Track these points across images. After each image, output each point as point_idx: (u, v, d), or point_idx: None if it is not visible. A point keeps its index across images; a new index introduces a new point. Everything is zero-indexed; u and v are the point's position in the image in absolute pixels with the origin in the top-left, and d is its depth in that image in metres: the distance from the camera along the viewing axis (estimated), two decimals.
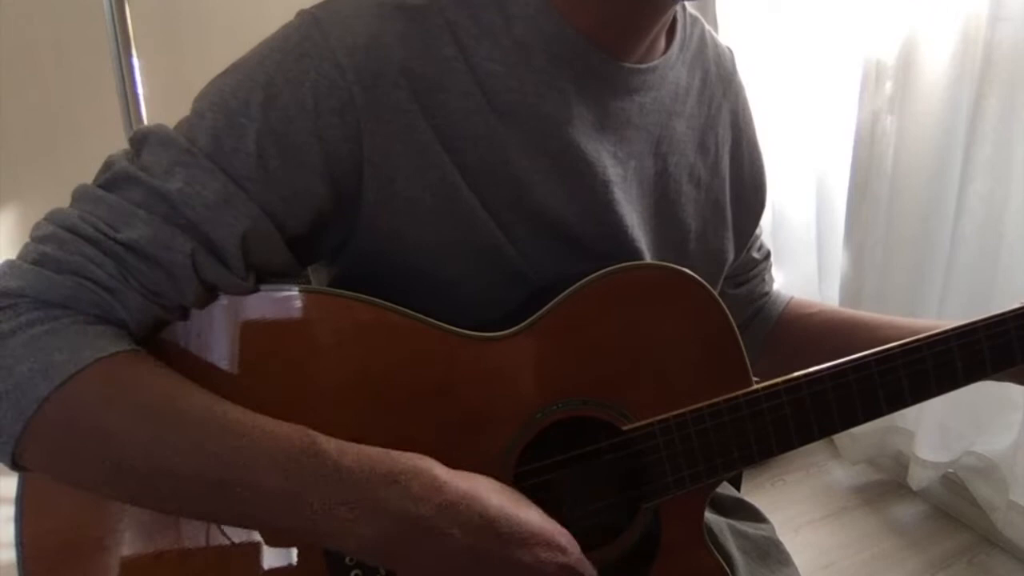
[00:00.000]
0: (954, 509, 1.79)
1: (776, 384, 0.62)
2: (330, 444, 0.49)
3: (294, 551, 0.55)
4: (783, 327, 0.85)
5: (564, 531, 0.55)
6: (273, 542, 0.55)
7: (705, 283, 0.63)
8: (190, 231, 0.51)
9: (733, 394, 0.62)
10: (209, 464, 0.47)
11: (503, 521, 0.51)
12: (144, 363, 0.50)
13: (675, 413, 0.61)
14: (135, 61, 1.23)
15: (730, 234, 0.75)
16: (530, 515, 0.53)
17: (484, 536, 0.51)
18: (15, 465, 0.48)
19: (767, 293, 0.87)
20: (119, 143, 0.55)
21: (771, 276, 0.89)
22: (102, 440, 0.47)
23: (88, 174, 0.53)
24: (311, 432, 0.50)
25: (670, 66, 0.67)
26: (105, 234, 0.49)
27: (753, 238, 0.83)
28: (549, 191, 0.61)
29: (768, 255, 0.88)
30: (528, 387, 0.59)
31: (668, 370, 0.62)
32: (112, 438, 0.47)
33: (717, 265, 0.75)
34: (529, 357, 0.59)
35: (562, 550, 0.54)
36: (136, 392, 0.48)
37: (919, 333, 0.65)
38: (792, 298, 0.87)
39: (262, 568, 0.55)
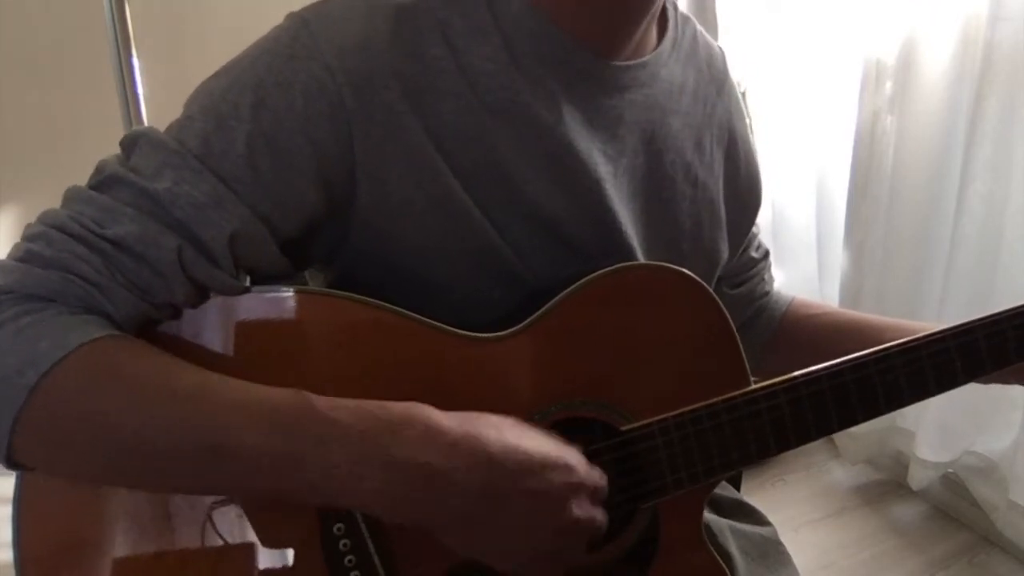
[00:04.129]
0: (954, 509, 1.79)
1: (774, 384, 0.62)
2: (323, 402, 0.49)
3: (295, 556, 0.55)
4: (788, 327, 0.85)
5: (569, 449, 0.55)
6: (278, 508, 0.54)
7: (703, 283, 0.63)
8: (177, 229, 0.51)
9: (731, 394, 0.62)
10: (205, 434, 0.47)
11: (506, 455, 0.51)
12: (130, 344, 0.50)
13: (674, 414, 0.61)
14: (135, 61, 1.23)
15: (724, 233, 0.75)
16: (533, 443, 0.53)
17: (490, 473, 0.50)
18: (10, 462, 0.48)
19: (767, 292, 0.87)
20: (118, 144, 0.55)
21: (771, 275, 0.89)
22: (96, 423, 0.47)
23: (88, 174, 0.53)
24: (304, 393, 0.49)
25: (662, 63, 0.67)
26: (92, 231, 0.49)
27: (750, 237, 0.83)
28: (542, 189, 0.61)
29: (767, 254, 0.87)
30: (526, 388, 0.59)
31: (666, 371, 0.62)
32: (106, 419, 0.47)
33: (711, 264, 0.75)
34: (527, 358, 0.59)
35: (570, 469, 0.53)
36: (125, 372, 0.48)
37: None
38: (794, 298, 0.87)
39: (261, 569, 0.55)
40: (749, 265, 0.85)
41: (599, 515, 0.55)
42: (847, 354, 0.64)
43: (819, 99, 1.88)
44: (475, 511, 0.50)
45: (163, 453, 0.48)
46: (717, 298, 0.63)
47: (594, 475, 0.55)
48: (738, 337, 0.64)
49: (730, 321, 0.63)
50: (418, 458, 0.49)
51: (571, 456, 0.54)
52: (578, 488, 0.53)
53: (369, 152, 0.55)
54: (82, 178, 0.53)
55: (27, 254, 0.49)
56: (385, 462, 0.48)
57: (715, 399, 0.62)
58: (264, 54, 0.55)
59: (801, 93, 1.93)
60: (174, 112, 0.55)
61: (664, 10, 0.69)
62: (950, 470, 1.74)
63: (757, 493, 1.90)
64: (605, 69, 0.62)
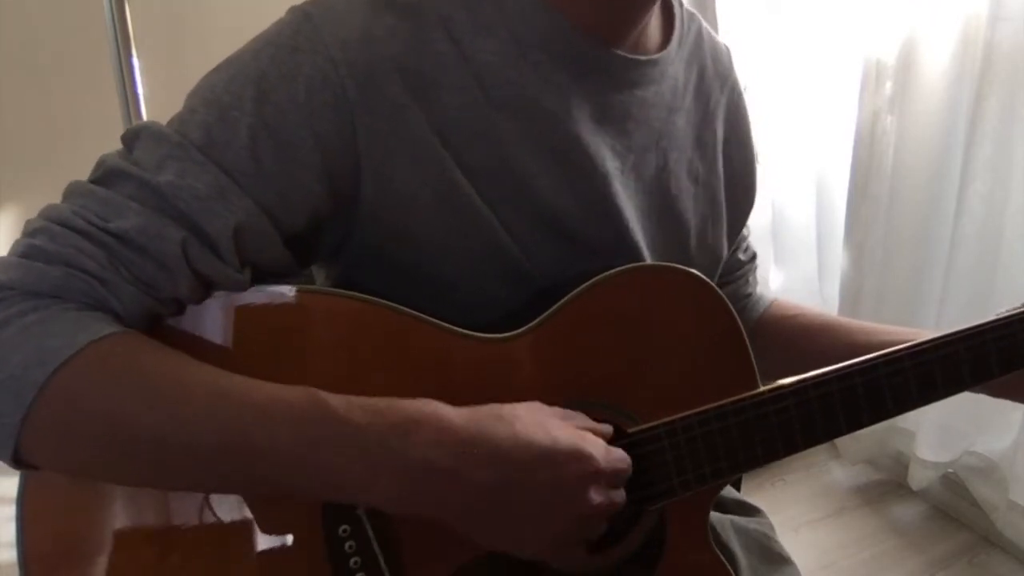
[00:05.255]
0: (954, 509, 1.79)
1: (782, 387, 0.62)
2: (337, 401, 0.49)
3: (299, 554, 0.55)
4: (763, 329, 0.85)
5: (586, 436, 0.54)
6: (281, 505, 0.54)
7: (712, 284, 0.62)
8: (181, 222, 0.51)
9: (739, 397, 0.62)
10: (218, 433, 0.47)
11: (518, 449, 0.51)
12: (140, 342, 0.50)
13: (681, 416, 0.61)
14: (135, 61, 1.22)
15: (725, 231, 0.75)
16: (547, 434, 0.52)
17: (503, 468, 0.50)
18: (17, 461, 0.48)
19: (750, 295, 0.87)
20: (119, 143, 0.55)
21: (755, 278, 0.89)
22: (106, 421, 0.47)
23: (88, 174, 0.53)
24: (316, 391, 0.49)
25: (670, 61, 0.67)
26: (96, 225, 0.49)
27: (740, 239, 0.84)
28: (549, 184, 0.60)
29: (754, 257, 0.88)
30: (533, 389, 0.59)
31: (674, 372, 0.62)
32: (116, 418, 0.47)
33: (714, 262, 0.75)
34: (534, 358, 0.59)
35: (587, 458, 0.52)
36: (136, 369, 0.48)
37: (898, 340, 0.65)
38: (774, 301, 0.87)
39: (265, 568, 0.54)
40: (736, 267, 0.85)
41: (618, 496, 0.55)
42: (814, 354, 0.64)
43: (819, 99, 1.88)
44: (488, 506, 0.51)
45: (175, 450, 0.47)
46: (726, 299, 0.63)
47: (613, 459, 0.55)
48: (747, 339, 0.63)
49: (739, 322, 0.63)
50: (429, 458, 0.49)
51: (587, 443, 0.53)
52: (595, 476, 0.53)
53: (373, 145, 0.55)
54: (82, 178, 0.53)
55: (29, 249, 0.49)
56: (397, 461, 0.48)
57: (723, 401, 0.61)
58: (267, 46, 0.55)
59: (801, 93, 1.93)
60: (174, 112, 0.55)
61: (671, 7, 0.69)
62: (950, 470, 1.74)
63: (757, 493, 1.90)
64: (614, 60, 0.62)
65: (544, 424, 0.53)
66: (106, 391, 0.47)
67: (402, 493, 0.49)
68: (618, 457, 0.55)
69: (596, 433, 0.56)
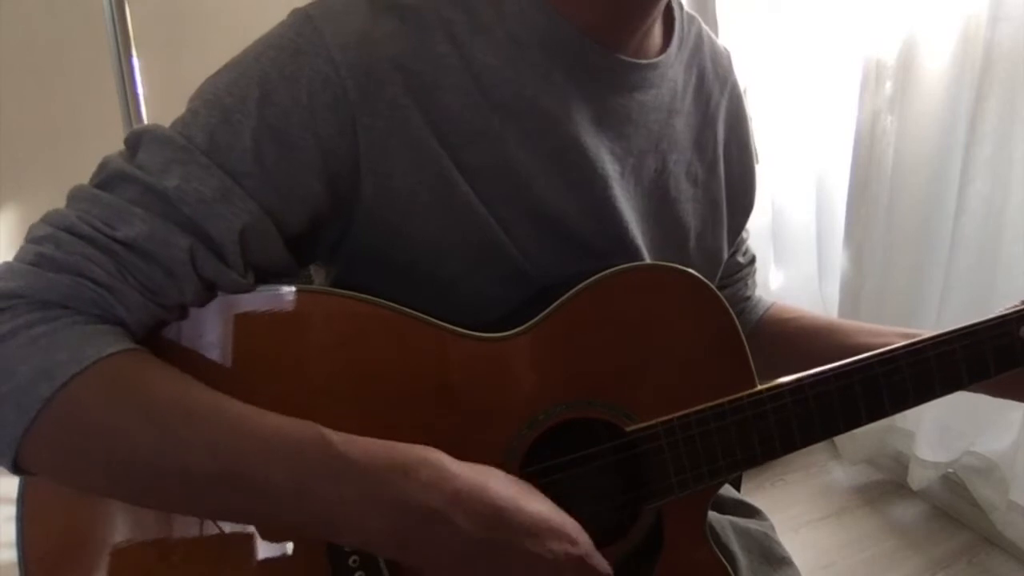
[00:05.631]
0: (954, 509, 1.79)
1: (780, 385, 0.62)
2: (337, 437, 0.49)
3: (297, 552, 0.55)
4: (760, 331, 0.86)
5: (574, 523, 0.55)
6: (280, 538, 0.54)
7: (710, 284, 0.63)
8: (188, 227, 0.51)
9: (737, 395, 0.62)
10: (216, 460, 0.47)
11: (513, 512, 0.51)
12: (147, 361, 0.50)
13: (679, 414, 0.61)
14: (135, 61, 1.22)
15: (725, 233, 0.75)
16: (541, 507, 0.53)
17: (494, 526, 0.50)
18: (17, 469, 0.48)
19: (748, 297, 0.88)
20: (119, 143, 0.55)
21: (754, 281, 0.89)
22: (107, 440, 0.47)
23: (88, 174, 0.53)
24: (318, 426, 0.49)
25: (669, 64, 0.67)
26: (103, 233, 0.49)
27: (739, 242, 0.84)
28: (548, 186, 0.61)
29: (752, 260, 0.88)
30: (531, 388, 0.59)
31: (672, 371, 0.62)
32: (118, 437, 0.47)
33: (714, 264, 0.75)
34: (533, 358, 0.59)
35: (573, 542, 0.53)
36: (141, 390, 0.48)
37: (897, 342, 0.65)
38: (774, 304, 0.88)
39: (265, 567, 0.55)
40: (735, 269, 0.85)
41: None
42: (813, 355, 0.65)
43: (819, 99, 1.88)
44: (473, 558, 0.50)
45: (173, 475, 0.47)
46: (724, 299, 0.63)
47: (597, 556, 0.55)
48: (744, 339, 0.63)
49: (736, 322, 0.63)
50: (424, 499, 0.49)
51: (576, 531, 0.54)
52: (579, 562, 0.53)
53: (373, 146, 0.55)
54: (82, 178, 0.53)
55: (37, 257, 0.49)
56: (393, 502, 0.48)
57: (721, 400, 0.62)
58: (269, 49, 0.55)
59: (801, 93, 1.93)
60: (174, 112, 0.55)
61: (671, 9, 0.69)
62: (950, 470, 1.74)
63: (757, 493, 1.90)
64: (614, 64, 0.62)
65: (539, 498, 0.54)
66: (108, 410, 0.47)
67: (394, 534, 0.49)
68: (602, 560, 0.56)
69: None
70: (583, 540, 0.54)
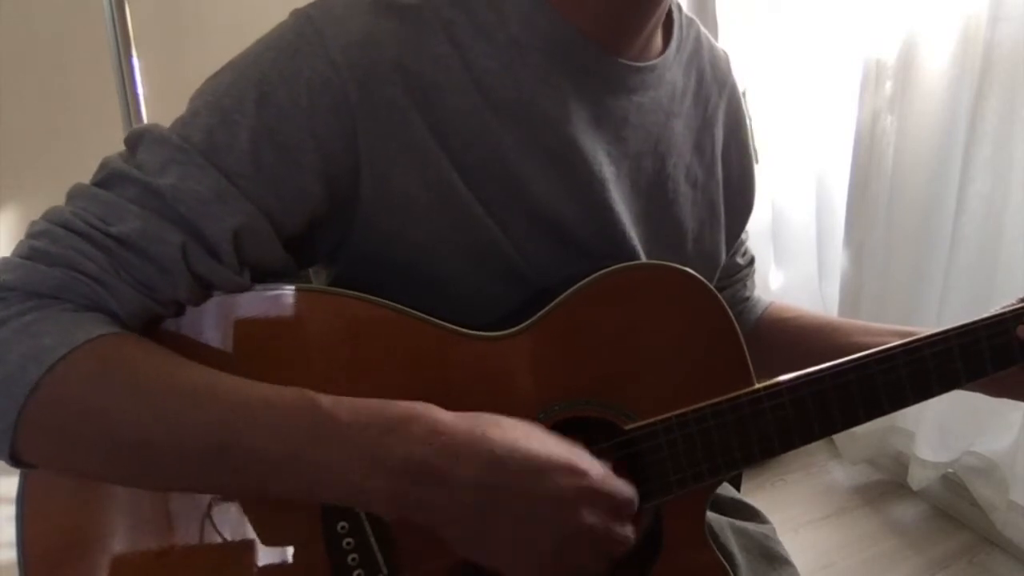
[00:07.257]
0: (954, 509, 1.79)
1: (778, 383, 0.63)
2: (326, 400, 0.49)
3: (296, 550, 0.55)
4: (759, 331, 0.86)
5: (583, 453, 0.53)
6: (280, 506, 0.54)
7: (707, 282, 0.63)
8: (182, 225, 0.51)
9: (735, 394, 0.62)
10: (208, 432, 0.47)
11: (512, 454, 0.50)
12: (135, 342, 0.50)
13: (677, 412, 0.61)
14: (135, 61, 1.23)
15: (723, 235, 0.76)
16: (543, 444, 0.51)
17: (494, 472, 0.49)
18: (14, 459, 0.48)
19: (747, 298, 0.88)
20: (119, 143, 0.55)
21: (753, 282, 0.89)
22: (99, 420, 0.47)
23: (88, 174, 0.53)
24: (307, 392, 0.49)
25: (667, 66, 0.67)
26: (97, 228, 0.49)
27: (738, 243, 0.84)
28: (546, 188, 0.61)
29: (752, 261, 0.88)
30: (530, 387, 0.59)
31: (670, 369, 0.62)
32: (109, 416, 0.47)
33: (711, 266, 0.75)
34: (531, 357, 0.59)
35: (580, 473, 0.51)
36: (129, 369, 0.48)
37: (896, 339, 0.65)
38: (772, 303, 0.88)
39: (265, 567, 0.55)
40: (734, 270, 0.85)
41: (623, 529, 0.53)
42: (813, 355, 0.65)
43: (819, 99, 1.88)
44: (474, 510, 0.49)
45: (166, 451, 0.47)
46: (721, 298, 0.63)
47: (615, 484, 0.53)
48: (742, 337, 0.64)
49: (734, 321, 0.63)
50: (417, 455, 0.48)
51: (585, 461, 0.53)
52: (590, 493, 0.51)
53: (372, 147, 0.55)
54: (82, 178, 0.53)
55: (31, 251, 0.49)
56: (385, 460, 0.48)
57: (719, 398, 0.62)
58: (269, 50, 0.55)
59: (801, 93, 1.93)
60: (174, 112, 0.55)
61: (670, 12, 0.69)
62: (950, 470, 1.74)
63: (757, 493, 1.90)
64: (613, 67, 0.62)
65: (541, 437, 0.52)
66: (97, 390, 0.47)
67: (392, 493, 0.48)
68: (622, 483, 0.54)
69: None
70: (594, 470, 0.52)
